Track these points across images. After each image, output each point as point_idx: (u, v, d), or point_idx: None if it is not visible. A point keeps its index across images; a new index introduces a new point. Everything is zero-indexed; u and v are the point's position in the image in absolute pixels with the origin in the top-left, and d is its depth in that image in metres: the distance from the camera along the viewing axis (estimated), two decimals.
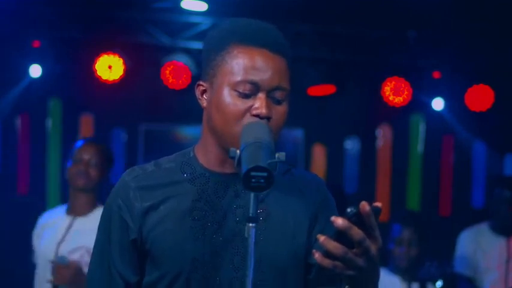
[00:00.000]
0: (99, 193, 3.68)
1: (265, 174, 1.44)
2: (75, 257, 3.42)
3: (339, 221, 1.39)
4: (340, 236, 1.41)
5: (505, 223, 4.47)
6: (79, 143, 3.72)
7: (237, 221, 1.73)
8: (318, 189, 1.86)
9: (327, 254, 1.42)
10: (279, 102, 1.72)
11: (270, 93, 1.70)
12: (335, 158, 6.63)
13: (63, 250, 3.46)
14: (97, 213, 3.56)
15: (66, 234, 3.54)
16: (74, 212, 3.63)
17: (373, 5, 5.31)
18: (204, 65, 1.78)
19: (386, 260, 4.08)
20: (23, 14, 5.63)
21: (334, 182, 6.21)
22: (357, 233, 1.40)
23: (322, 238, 1.41)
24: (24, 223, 5.63)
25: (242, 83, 1.68)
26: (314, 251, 1.44)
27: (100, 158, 3.64)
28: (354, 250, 1.42)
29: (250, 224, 1.46)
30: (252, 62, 1.69)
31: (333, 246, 1.41)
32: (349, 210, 1.42)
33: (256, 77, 1.68)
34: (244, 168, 1.47)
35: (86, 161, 3.60)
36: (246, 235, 1.47)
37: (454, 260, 4.58)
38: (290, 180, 1.83)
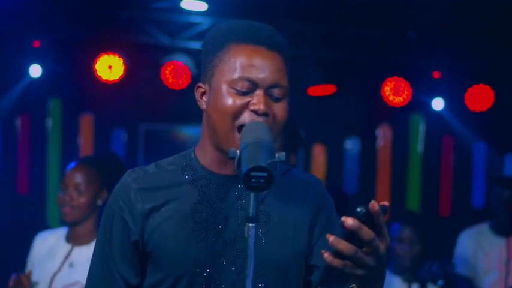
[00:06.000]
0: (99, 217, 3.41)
1: (265, 174, 1.43)
2: None
3: (349, 221, 1.39)
4: (349, 235, 1.41)
5: (505, 223, 4.47)
6: (70, 165, 3.31)
7: (239, 224, 1.73)
8: (316, 190, 1.86)
9: (337, 253, 1.42)
10: (277, 100, 1.71)
11: (268, 91, 1.69)
12: (335, 158, 6.62)
13: (57, 284, 3.22)
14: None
15: (62, 265, 3.25)
16: (73, 240, 3.29)
17: (373, 5, 5.30)
18: (203, 67, 1.78)
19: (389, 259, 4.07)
20: (23, 14, 5.62)
21: (334, 183, 6.21)
22: (366, 232, 1.40)
23: (331, 238, 1.41)
24: (24, 223, 5.65)
25: (239, 80, 1.68)
26: (323, 251, 1.44)
27: (91, 182, 3.25)
28: (364, 249, 1.42)
29: (250, 224, 1.46)
30: (249, 59, 1.69)
31: (344, 246, 1.40)
32: (358, 209, 1.41)
33: (253, 74, 1.68)
34: (244, 168, 1.46)
35: (72, 187, 3.23)
36: (246, 235, 1.46)
37: (453, 260, 4.57)
38: (289, 181, 1.83)
